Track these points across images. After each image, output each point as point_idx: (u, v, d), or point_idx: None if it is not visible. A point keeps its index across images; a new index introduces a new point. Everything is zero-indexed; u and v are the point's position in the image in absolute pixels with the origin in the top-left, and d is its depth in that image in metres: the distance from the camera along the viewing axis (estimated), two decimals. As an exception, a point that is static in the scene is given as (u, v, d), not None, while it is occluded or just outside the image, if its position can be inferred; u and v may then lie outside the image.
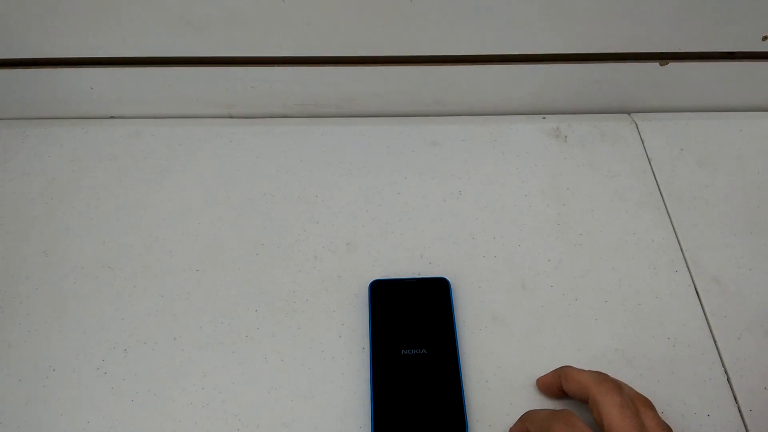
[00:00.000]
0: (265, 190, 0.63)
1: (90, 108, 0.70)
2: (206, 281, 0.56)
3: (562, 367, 0.47)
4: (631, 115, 0.70)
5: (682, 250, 0.58)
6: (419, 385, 0.48)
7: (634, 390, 0.44)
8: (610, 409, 0.41)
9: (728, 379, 0.50)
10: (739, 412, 0.48)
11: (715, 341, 0.52)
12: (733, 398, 0.49)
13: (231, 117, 0.71)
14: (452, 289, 0.55)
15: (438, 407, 0.47)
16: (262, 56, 0.65)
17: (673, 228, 0.60)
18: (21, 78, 0.66)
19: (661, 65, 0.66)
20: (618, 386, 0.42)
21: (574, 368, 0.46)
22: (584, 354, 0.51)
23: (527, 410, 0.46)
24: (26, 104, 0.69)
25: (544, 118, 0.70)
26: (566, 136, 0.68)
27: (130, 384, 0.50)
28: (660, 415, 0.43)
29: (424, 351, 0.50)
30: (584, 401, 0.44)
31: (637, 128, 0.69)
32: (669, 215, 0.61)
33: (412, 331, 0.51)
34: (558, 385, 0.47)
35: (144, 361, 0.51)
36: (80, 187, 0.64)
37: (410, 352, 0.50)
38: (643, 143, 0.67)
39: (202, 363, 0.51)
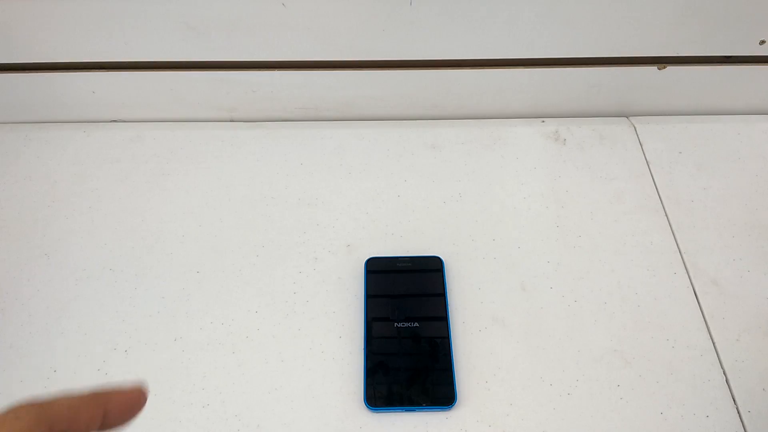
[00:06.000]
0: (266, 193, 0.63)
1: (92, 112, 0.70)
2: (207, 283, 0.56)
3: None
4: (630, 118, 0.71)
5: (680, 252, 0.58)
6: (411, 356, 0.50)
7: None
8: None
9: (727, 381, 0.50)
10: (738, 413, 0.48)
11: (713, 343, 0.52)
12: (731, 399, 0.49)
13: (232, 120, 0.72)
14: (445, 267, 0.56)
15: (429, 377, 0.49)
16: (263, 60, 0.65)
17: (672, 230, 0.60)
18: (24, 82, 0.67)
19: (659, 69, 0.66)
20: None
21: None
22: (583, 355, 0.51)
23: None
24: (29, 108, 0.70)
25: (543, 121, 0.70)
26: (565, 140, 0.68)
27: (130, 385, 0.50)
28: None
29: (416, 324, 0.52)
30: None
31: (636, 131, 0.69)
32: (667, 217, 0.61)
33: (406, 305, 0.53)
34: None
35: (145, 362, 0.51)
36: (82, 190, 0.64)
37: (403, 325, 0.52)
38: (641, 146, 0.68)
39: (203, 364, 0.51)
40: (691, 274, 0.57)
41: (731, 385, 0.50)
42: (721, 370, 0.51)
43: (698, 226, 0.60)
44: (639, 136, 0.69)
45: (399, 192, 0.64)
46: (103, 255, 0.59)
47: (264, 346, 0.52)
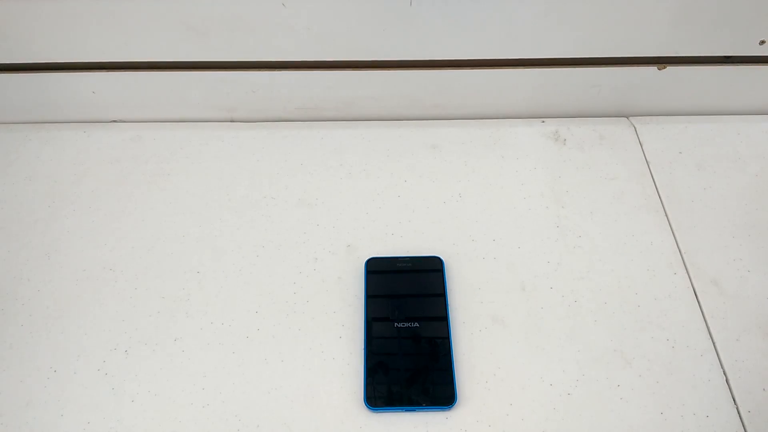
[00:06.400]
0: (266, 193, 0.63)
1: (92, 112, 0.70)
2: (207, 283, 0.56)
3: None
4: (630, 118, 0.71)
5: (680, 252, 0.58)
6: (411, 356, 0.50)
7: None
8: None
9: (727, 381, 0.50)
10: (738, 413, 0.48)
11: (713, 343, 0.52)
12: (731, 399, 0.49)
13: (232, 121, 0.72)
14: (445, 267, 0.56)
15: (429, 377, 0.49)
16: (263, 61, 0.65)
17: (672, 230, 0.60)
18: (24, 82, 0.67)
19: (659, 69, 0.66)
20: None
21: None
22: (583, 355, 0.51)
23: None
24: (29, 108, 0.70)
25: (543, 121, 0.70)
26: (565, 140, 0.68)
27: (130, 385, 0.50)
28: None
29: (416, 324, 0.52)
30: None
31: (636, 131, 0.69)
32: (667, 218, 0.61)
33: (406, 305, 0.53)
34: None
35: (145, 362, 0.51)
36: (82, 190, 0.64)
37: (403, 325, 0.52)
38: (641, 146, 0.68)
39: (203, 364, 0.51)
40: (691, 274, 0.57)
41: (731, 385, 0.50)
42: (721, 370, 0.51)
43: (698, 226, 0.60)
44: (639, 136, 0.69)
45: (399, 192, 0.64)
46: (103, 255, 0.59)
47: (264, 346, 0.52)
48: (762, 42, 0.64)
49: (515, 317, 0.54)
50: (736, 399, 0.49)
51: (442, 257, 0.57)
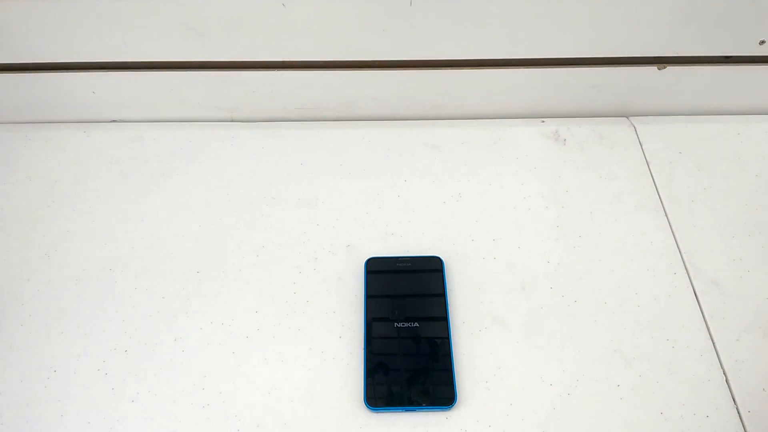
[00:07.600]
0: (266, 193, 0.63)
1: (92, 112, 0.70)
2: (207, 283, 0.56)
3: None
4: (630, 118, 0.71)
5: (680, 252, 0.58)
6: (411, 357, 0.50)
7: None
8: None
9: (727, 381, 0.50)
10: (738, 413, 0.48)
11: (713, 343, 0.52)
12: (731, 399, 0.49)
13: (232, 120, 0.72)
14: (445, 267, 0.56)
15: (429, 377, 0.49)
16: (263, 61, 0.65)
17: (672, 230, 0.60)
18: (24, 82, 0.67)
19: (659, 69, 0.66)
20: None
21: None
22: (583, 355, 0.51)
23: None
24: (29, 108, 0.70)
25: (543, 121, 0.70)
26: (565, 140, 0.68)
27: (130, 385, 0.50)
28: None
29: (416, 324, 0.52)
30: None
31: (636, 131, 0.69)
32: (667, 217, 0.61)
33: (406, 305, 0.53)
34: None
35: (145, 362, 0.51)
36: (82, 189, 0.64)
37: (403, 325, 0.52)
38: (641, 146, 0.68)
39: (203, 364, 0.51)
40: (691, 274, 0.57)
41: (731, 385, 0.50)
42: (721, 370, 0.51)
43: (698, 225, 0.60)
44: (639, 136, 0.69)
45: (399, 192, 0.64)
46: (103, 255, 0.59)
47: (264, 346, 0.52)
48: (762, 42, 0.64)
49: (515, 317, 0.54)
50: (736, 399, 0.49)
51: (442, 257, 0.57)
